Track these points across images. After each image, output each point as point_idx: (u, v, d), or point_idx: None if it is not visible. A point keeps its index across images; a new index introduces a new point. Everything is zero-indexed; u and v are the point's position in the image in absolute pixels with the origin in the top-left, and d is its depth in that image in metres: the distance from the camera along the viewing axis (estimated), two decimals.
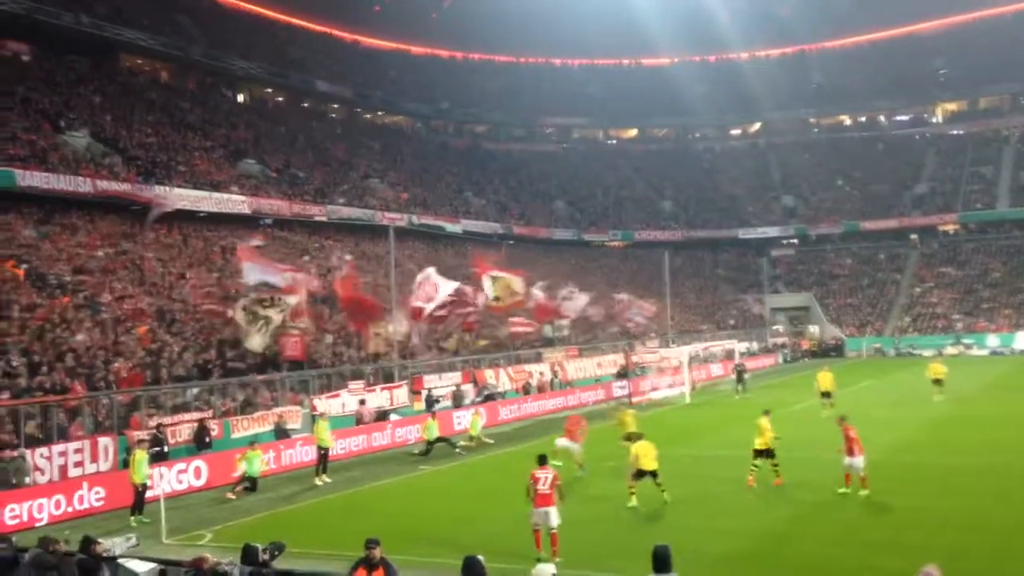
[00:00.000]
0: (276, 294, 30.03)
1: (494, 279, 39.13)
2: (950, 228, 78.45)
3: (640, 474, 17.76)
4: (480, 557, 9.84)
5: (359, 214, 55.58)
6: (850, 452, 17.66)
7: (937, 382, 33.59)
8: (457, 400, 33.89)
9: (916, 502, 17.12)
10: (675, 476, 20.80)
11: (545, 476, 14.24)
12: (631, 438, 20.09)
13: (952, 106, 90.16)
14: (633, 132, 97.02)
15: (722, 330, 64.35)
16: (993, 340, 61.85)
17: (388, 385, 32.82)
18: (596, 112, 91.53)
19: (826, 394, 31.66)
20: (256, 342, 29.05)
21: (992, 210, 76.60)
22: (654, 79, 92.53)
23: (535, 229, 72.14)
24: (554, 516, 14.03)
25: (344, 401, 29.99)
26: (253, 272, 31.04)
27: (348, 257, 45.53)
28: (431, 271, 35.43)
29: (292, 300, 29.96)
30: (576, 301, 45.85)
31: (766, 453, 19.08)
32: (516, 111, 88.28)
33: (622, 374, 43.39)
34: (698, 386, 43.63)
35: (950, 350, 60.18)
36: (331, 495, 21.33)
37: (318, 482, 22.76)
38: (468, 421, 29.28)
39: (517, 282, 39.66)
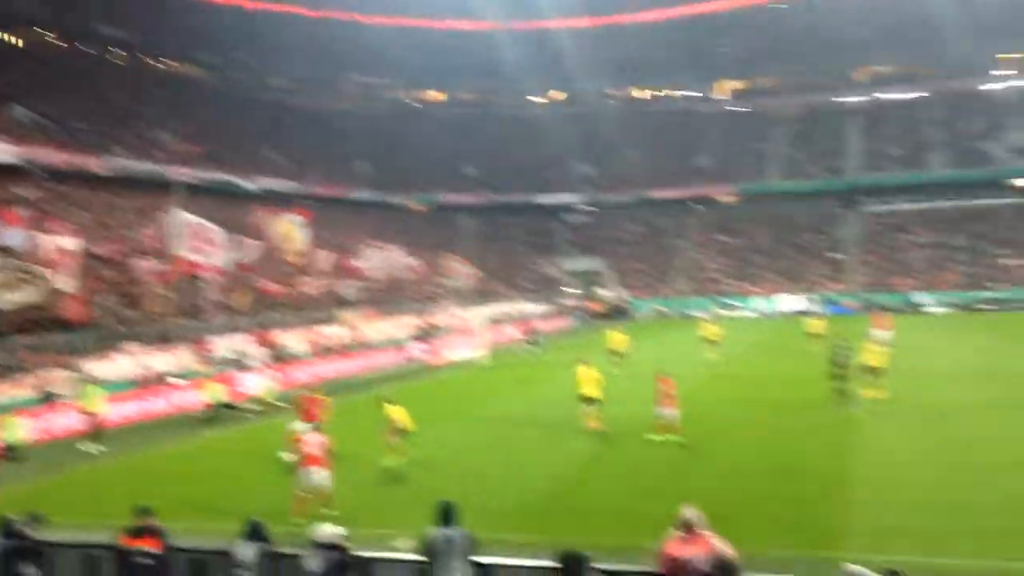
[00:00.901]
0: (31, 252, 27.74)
1: (286, 226, 38.05)
2: (727, 198, 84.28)
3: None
4: (262, 520, 9.58)
5: (145, 168, 52.08)
6: (664, 404, 19.11)
7: (710, 342, 36.07)
8: (244, 363, 32.70)
9: (685, 453, 18.29)
10: (474, 435, 21.14)
11: (314, 440, 14.48)
12: None
13: (732, 84, 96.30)
14: (439, 95, 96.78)
15: (520, 293, 65.99)
16: (759, 303, 67.22)
17: (170, 347, 31.16)
18: (402, 73, 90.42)
19: (616, 353, 33.16)
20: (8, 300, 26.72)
21: (764, 182, 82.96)
22: (462, 43, 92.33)
23: (335, 189, 70.64)
24: (322, 479, 14.19)
25: (121, 364, 28.22)
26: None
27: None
28: (203, 221, 33.72)
29: (55, 257, 27.74)
30: (373, 260, 45.40)
31: (591, 400, 20.56)
32: (320, 68, 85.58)
33: (421, 336, 43.50)
34: (496, 348, 44.52)
35: (723, 312, 64.83)
36: (104, 463, 20.06)
37: (91, 450, 21.32)
38: (257, 384, 28.34)
39: (289, 223, 38.58)
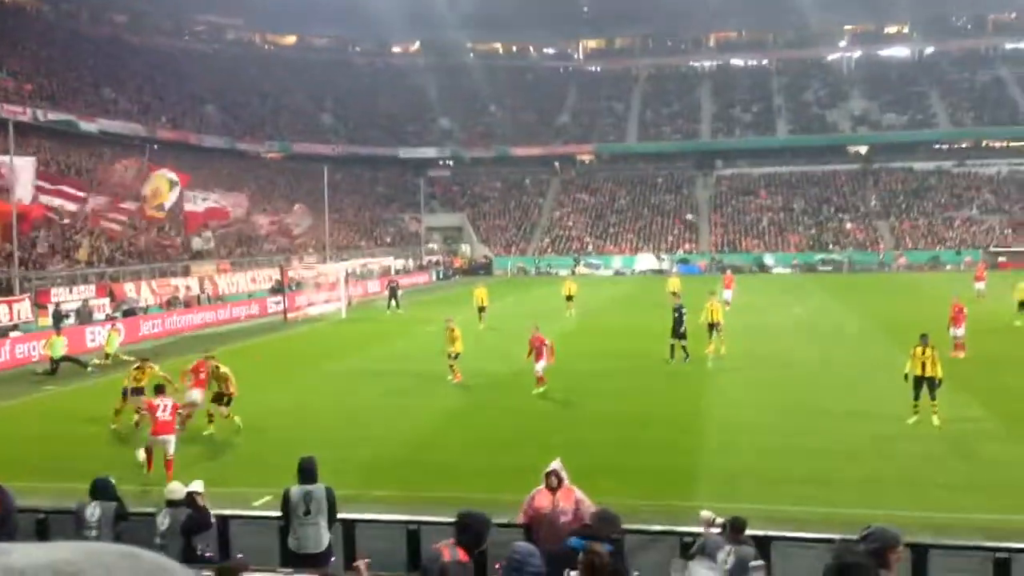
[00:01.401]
0: None
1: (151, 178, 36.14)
2: (586, 158, 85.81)
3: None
4: (110, 478, 9.19)
5: None
6: (538, 357, 19.70)
7: (569, 298, 36.84)
8: (85, 316, 31.00)
9: (545, 405, 18.71)
10: (327, 390, 20.86)
11: (164, 404, 13.91)
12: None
13: (592, 43, 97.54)
14: (292, 39, 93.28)
15: (379, 247, 65.21)
16: (617, 262, 69.11)
17: (7, 299, 29.15)
18: (252, 13, 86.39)
19: (481, 309, 33.41)
20: None
21: (622, 143, 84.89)
22: None
23: (184, 134, 67.01)
24: (171, 444, 13.82)
25: None
26: None
27: None
28: (38, 163, 31.51)
29: None
30: (223, 207, 43.65)
31: (453, 356, 21.16)
32: (163, 3, 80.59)
33: (277, 289, 42.39)
34: (354, 302, 43.96)
35: (581, 270, 66.32)
36: None
37: None
38: (103, 337, 26.95)
39: (166, 179, 36.77)
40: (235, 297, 41.10)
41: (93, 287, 33.57)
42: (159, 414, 13.77)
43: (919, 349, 16.37)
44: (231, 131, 73.56)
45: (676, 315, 23.71)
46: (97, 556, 0.67)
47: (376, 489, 12.94)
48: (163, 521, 8.69)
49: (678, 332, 23.57)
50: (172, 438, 13.82)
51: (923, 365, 16.20)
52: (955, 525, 10.82)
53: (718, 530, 7.67)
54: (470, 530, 6.22)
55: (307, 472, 8.98)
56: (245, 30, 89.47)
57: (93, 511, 8.70)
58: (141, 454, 14.17)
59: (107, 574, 0.65)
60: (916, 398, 16.32)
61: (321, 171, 55.67)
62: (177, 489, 9.13)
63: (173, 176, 37.40)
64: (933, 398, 16.14)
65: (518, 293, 49.37)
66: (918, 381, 16.26)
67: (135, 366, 17.93)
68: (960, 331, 23.30)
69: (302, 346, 30.05)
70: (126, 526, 8.76)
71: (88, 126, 56.24)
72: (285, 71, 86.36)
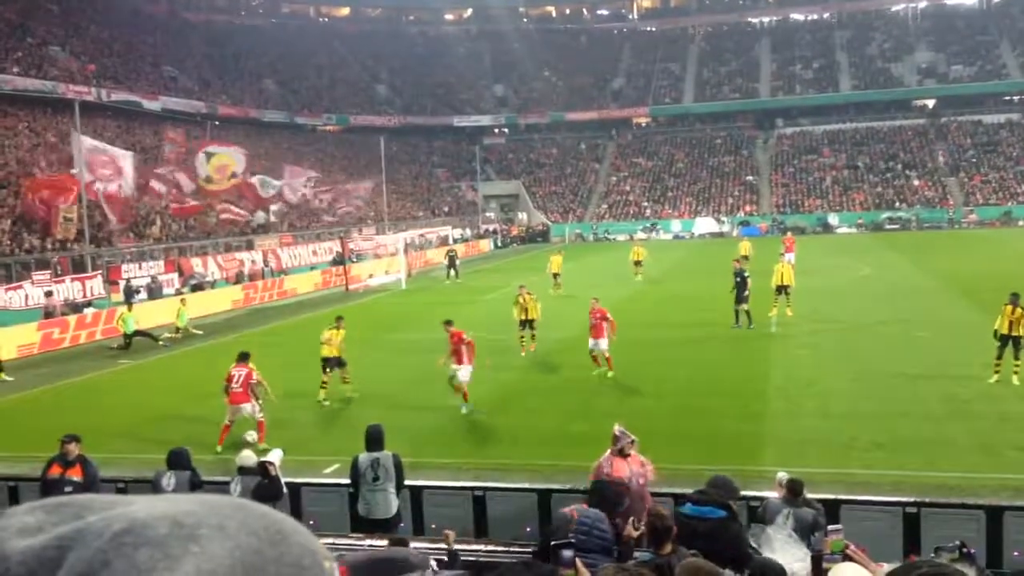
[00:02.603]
0: None
1: (209, 155, 36.67)
2: (642, 120, 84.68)
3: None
4: (187, 448, 9.47)
5: (37, 85, 49.22)
6: (595, 335, 17.88)
7: (637, 263, 36.65)
8: (156, 291, 31.85)
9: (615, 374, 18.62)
10: (391, 358, 21.14)
11: (239, 374, 14.04)
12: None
13: (647, 2, 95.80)
14: (345, 10, 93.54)
15: (436, 217, 65.50)
16: (676, 226, 68.31)
17: (80, 276, 30.08)
18: None
19: (556, 275, 33.49)
20: None
21: (678, 104, 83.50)
22: None
23: (243, 109, 68.01)
24: (249, 412, 14.01)
25: (28, 293, 27.14)
26: None
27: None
28: (107, 146, 32.40)
29: None
30: (288, 184, 44.34)
31: (529, 324, 20.45)
32: None
33: (338, 261, 42.93)
34: (414, 272, 44.33)
35: (640, 235, 65.71)
36: (15, 394, 19.41)
37: None
38: (173, 312, 27.67)
39: (236, 158, 37.37)
40: (298, 271, 41.74)
41: (162, 263, 34.41)
42: (232, 385, 14.00)
43: (1008, 308, 15.88)
44: (289, 105, 74.36)
45: (738, 280, 23.34)
46: (214, 507, 0.71)
47: (443, 457, 13.11)
48: (235, 489, 8.91)
49: (741, 297, 23.21)
50: (246, 407, 13.99)
51: (1011, 324, 15.75)
52: None
53: (778, 494, 7.61)
54: (604, 497, 6.32)
55: (374, 439, 9.14)
56: (300, 3, 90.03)
57: (169, 480, 8.98)
58: (252, 435, 14.17)
59: (222, 524, 0.69)
60: (999, 357, 15.90)
61: (378, 142, 56.01)
62: (248, 456, 9.36)
63: (235, 152, 37.97)
64: (1017, 357, 15.72)
65: (576, 260, 49.16)
66: (1004, 340, 15.84)
67: (329, 328, 17.44)
68: None
69: (364, 317, 30.40)
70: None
71: (151, 104, 57.34)
72: (340, 43, 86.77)
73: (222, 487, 9.15)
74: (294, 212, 48.92)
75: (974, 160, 69.85)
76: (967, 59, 78.60)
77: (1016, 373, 15.67)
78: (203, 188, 37.50)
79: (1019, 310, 15.74)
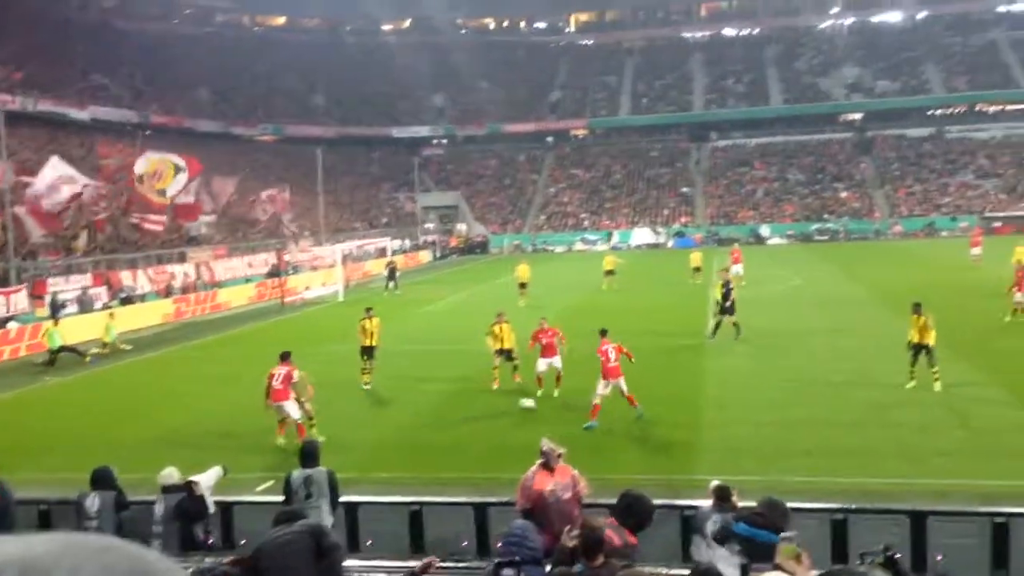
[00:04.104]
0: None
1: (149, 160, 35.91)
2: (580, 132, 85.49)
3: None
4: (111, 467, 9.21)
5: None
6: (548, 354, 17.51)
7: (609, 272, 37.10)
8: (87, 304, 31.01)
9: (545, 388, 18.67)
10: (328, 372, 20.92)
11: (280, 372, 14.54)
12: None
13: (583, 16, 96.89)
14: (281, 20, 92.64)
15: (375, 228, 65.08)
16: (614, 237, 68.99)
17: (3, 290, 29.11)
18: None
19: (523, 285, 33.34)
20: None
21: (615, 116, 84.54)
22: None
23: (176, 119, 66.75)
24: (290, 410, 14.40)
25: None
26: None
27: None
28: (55, 159, 31.57)
29: None
30: (222, 195, 43.64)
31: (506, 354, 18.50)
32: None
33: (274, 273, 42.33)
34: (352, 284, 43.93)
35: (579, 246, 66.26)
36: None
37: None
38: (101, 326, 26.95)
39: (171, 164, 36.50)
40: (232, 283, 41.05)
41: (90, 276, 33.52)
42: (273, 382, 14.37)
43: (913, 318, 16.76)
44: (224, 115, 73.29)
45: (725, 291, 23.40)
46: (73, 549, 0.65)
47: (380, 471, 13.00)
48: (158, 508, 8.67)
49: (724, 308, 23.02)
50: (286, 404, 14.33)
51: (920, 333, 16.45)
52: (953, 491, 10.90)
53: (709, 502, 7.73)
54: (636, 512, 6.28)
55: (308, 455, 9.03)
56: (234, 12, 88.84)
57: (93, 501, 8.71)
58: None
59: (77, 566, 0.63)
60: (913, 364, 16.58)
61: (315, 153, 55.45)
62: (170, 475, 9.12)
63: (180, 162, 37.01)
64: (932, 365, 16.27)
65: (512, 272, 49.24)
66: (916, 348, 16.55)
67: (361, 318, 19.67)
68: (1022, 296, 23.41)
69: (301, 330, 30.04)
70: (127, 515, 8.78)
71: (79, 114, 55.97)
72: (276, 53, 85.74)
73: (150, 506, 8.91)
74: (227, 223, 48.11)
75: (899, 173, 72.12)
76: (892, 75, 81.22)
77: (936, 380, 16.20)
78: (138, 190, 36.59)
79: (922, 318, 16.48)
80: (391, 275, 40.83)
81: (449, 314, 31.38)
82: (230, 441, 15.20)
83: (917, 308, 16.80)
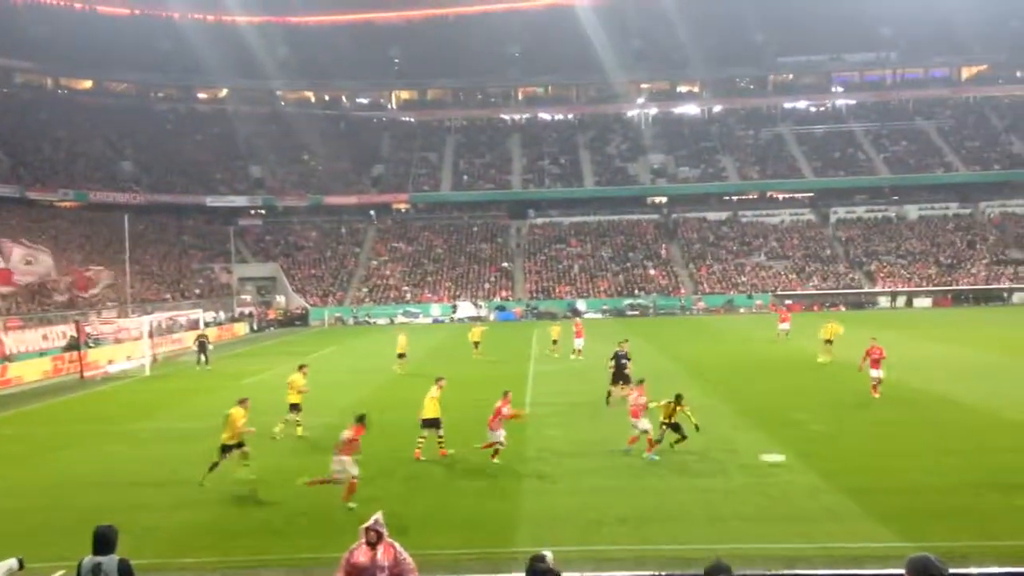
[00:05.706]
0: None
1: None
2: (402, 207, 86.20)
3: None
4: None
5: None
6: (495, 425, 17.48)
7: (476, 344, 38.36)
8: None
9: (366, 457, 18.37)
10: (132, 453, 19.75)
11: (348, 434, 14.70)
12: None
13: (405, 94, 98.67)
14: (88, 83, 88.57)
15: (187, 299, 62.35)
16: (436, 310, 69.43)
17: None
18: (44, 57, 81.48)
19: (401, 355, 33.61)
20: None
21: (437, 192, 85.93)
22: (112, 30, 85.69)
23: None
24: (346, 467, 14.51)
25: None
26: None
27: None
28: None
29: None
30: (16, 263, 40.62)
31: (433, 423, 18.23)
32: None
33: (72, 346, 39.52)
34: (160, 358, 41.72)
35: (401, 319, 66.12)
36: None
37: None
38: None
39: None
40: (26, 356, 38.00)
41: None
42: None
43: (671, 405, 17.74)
44: (20, 179, 68.62)
45: (619, 362, 23.81)
46: None
47: (187, 556, 12.29)
48: None
49: (620, 377, 23.55)
50: (346, 459, 14.55)
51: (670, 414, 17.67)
52: (754, 555, 11.57)
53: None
54: None
55: (102, 542, 8.37)
56: (36, 73, 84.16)
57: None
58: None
59: None
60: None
61: (122, 221, 52.72)
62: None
63: None
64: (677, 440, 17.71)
65: (335, 343, 48.47)
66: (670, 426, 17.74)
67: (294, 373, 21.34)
68: (878, 372, 23.82)
69: (102, 407, 28.13)
70: None
71: None
72: (81, 117, 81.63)
73: None
74: (22, 293, 44.71)
75: (700, 253, 77.14)
76: (693, 162, 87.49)
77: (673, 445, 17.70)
78: None
79: (679, 408, 17.62)
80: (202, 348, 39.06)
81: (269, 386, 30.32)
82: (19, 524, 13.94)
83: (678, 399, 17.70)
